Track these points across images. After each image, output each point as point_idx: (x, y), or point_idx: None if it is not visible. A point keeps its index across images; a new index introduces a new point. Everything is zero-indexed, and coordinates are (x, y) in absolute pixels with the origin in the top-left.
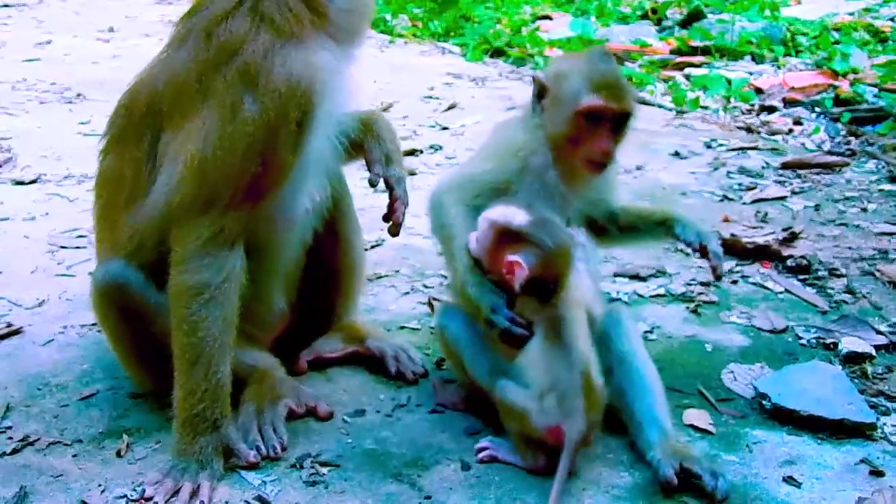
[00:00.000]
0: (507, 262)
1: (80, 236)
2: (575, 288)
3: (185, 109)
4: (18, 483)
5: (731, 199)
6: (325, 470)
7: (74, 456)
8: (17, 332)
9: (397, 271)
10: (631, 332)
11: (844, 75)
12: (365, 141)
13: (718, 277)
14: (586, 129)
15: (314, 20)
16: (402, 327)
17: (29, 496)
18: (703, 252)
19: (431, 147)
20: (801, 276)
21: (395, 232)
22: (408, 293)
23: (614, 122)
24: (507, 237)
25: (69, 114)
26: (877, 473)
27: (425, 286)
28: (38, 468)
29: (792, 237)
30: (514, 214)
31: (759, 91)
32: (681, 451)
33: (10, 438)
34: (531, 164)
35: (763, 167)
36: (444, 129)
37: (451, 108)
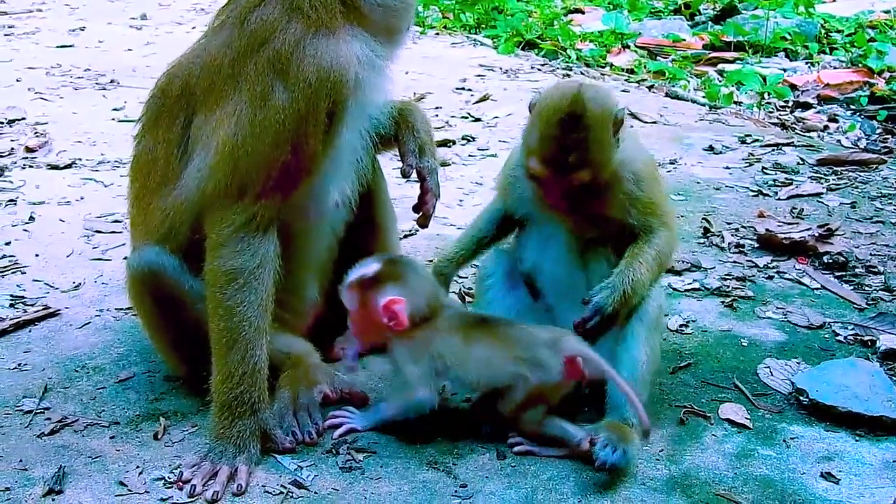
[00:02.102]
0: (382, 306)
1: (115, 221)
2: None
3: (218, 94)
4: (57, 463)
5: (766, 195)
6: (360, 456)
7: (112, 438)
8: (54, 314)
9: (430, 261)
10: (643, 315)
11: (880, 73)
12: (399, 132)
13: None
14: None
15: (346, 12)
16: None
17: (68, 476)
18: None
19: (464, 138)
20: (838, 273)
21: (424, 223)
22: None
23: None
24: (367, 288)
25: (103, 100)
26: None
27: (458, 276)
28: (76, 449)
29: (828, 234)
30: (362, 268)
31: (793, 88)
32: (613, 428)
33: (49, 419)
34: (520, 190)
35: (798, 163)
36: (477, 120)
37: (483, 99)
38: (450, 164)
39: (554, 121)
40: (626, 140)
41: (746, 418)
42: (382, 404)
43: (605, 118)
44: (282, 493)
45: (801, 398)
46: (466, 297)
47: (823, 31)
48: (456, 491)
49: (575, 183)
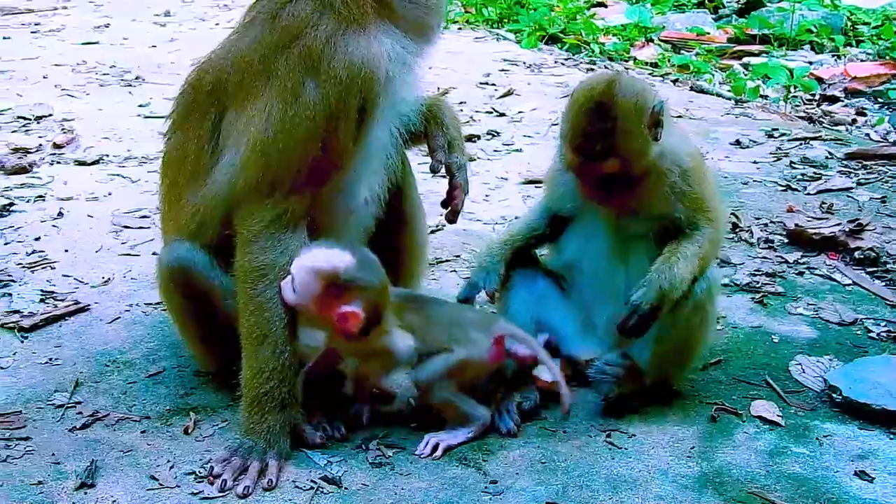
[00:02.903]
0: (341, 314)
1: (143, 216)
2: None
3: (248, 90)
4: (89, 457)
5: (794, 190)
6: (390, 452)
7: (143, 432)
8: (84, 309)
9: (458, 256)
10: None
11: None
12: (428, 127)
13: None
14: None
15: (377, 9)
16: None
17: (100, 470)
18: None
19: (489, 133)
20: (869, 269)
21: (452, 219)
22: (468, 278)
23: (598, 176)
24: (334, 286)
25: (128, 96)
26: None
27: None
28: (107, 443)
29: (859, 228)
30: (337, 259)
31: (819, 81)
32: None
33: (80, 413)
34: (563, 185)
35: (827, 157)
36: (501, 115)
37: (507, 94)
38: (475, 160)
39: (584, 109)
40: (671, 134)
41: (778, 416)
42: None
43: (637, 109)
44: (312, 488)
45: (834, 395)
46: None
47: (850, 24)
48: (486, 487)
49: (605, 172)
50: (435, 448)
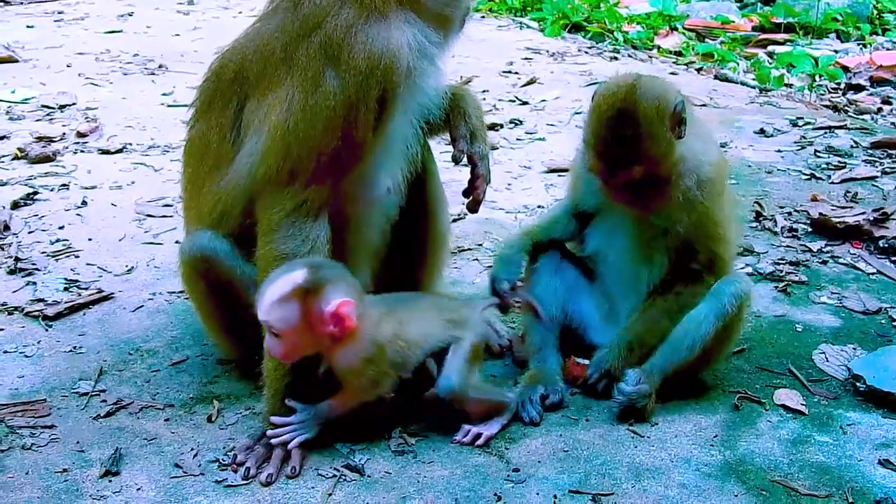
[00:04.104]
0: (331, 313)
1: (166, 205)
2: None
3: (270, 79)
4: (113, 445)
5: (819, 179)
6: (413, 440)
7: (167, 420)
8: (107, 297)
9: (480, 245)
10: (715, 302)
11: None
12: (451, 116)
13: None
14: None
15: None
16: None
17: (124, 458)
18: None
19: (512, 122)
20: (894, 258)
21: (474, 208)
22: (491, 267)
23: (623, 182)
24: (308, 296)
25: (152, 85)
26: None
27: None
28: (131, 431)
29: (884, 217)
30: (288, 278)
31: (845, 69)
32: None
33: (104, 402)
34: (587, 183)
35: (852, 146)
36: (524, 104)
37: (530, 83)
38: (497, 148)
39: (606, 117)
40: (696, 137)
41: (802, 404)
42: None
43: (659, 113)
44: (335, 476)
45: (858, 384)
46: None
47: (876, 12)
48: (508, 475)
49: (631, 178)
50: (477, 437)
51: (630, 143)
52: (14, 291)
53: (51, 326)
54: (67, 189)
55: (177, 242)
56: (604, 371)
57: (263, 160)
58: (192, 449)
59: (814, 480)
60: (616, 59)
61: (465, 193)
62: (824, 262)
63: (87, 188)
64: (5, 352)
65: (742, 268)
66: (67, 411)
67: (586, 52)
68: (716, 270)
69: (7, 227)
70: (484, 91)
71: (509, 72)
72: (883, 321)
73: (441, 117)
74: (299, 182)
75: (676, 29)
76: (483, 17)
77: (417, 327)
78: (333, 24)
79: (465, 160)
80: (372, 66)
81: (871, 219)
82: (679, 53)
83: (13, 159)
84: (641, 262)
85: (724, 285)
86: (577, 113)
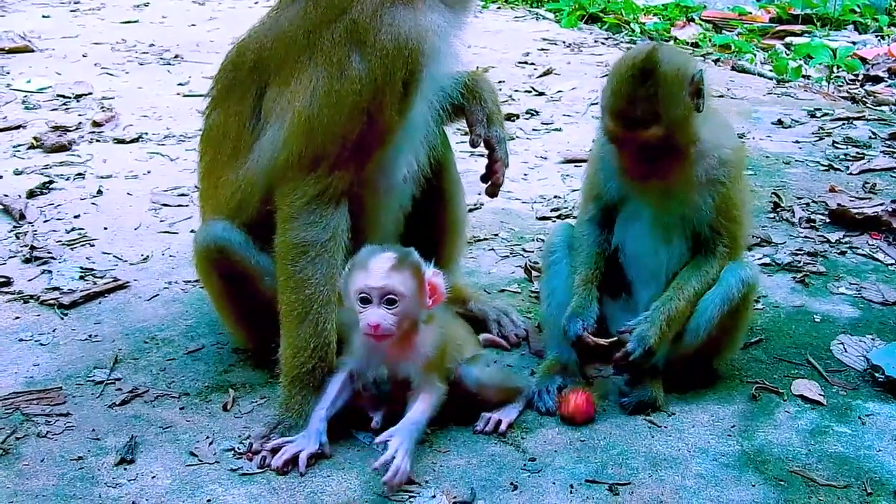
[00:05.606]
0: (430, 281)
1: (182, 194)
2: None
3: (292, 66)
4: (129, 433)
5: (837, 170)
6: (429, 429)
7: (182, 409)
8: (123, 286)
9: (496, 235)
10: (721, 287)
11: None
12: (467, 102)
13: None
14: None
15: None
16: (502, 290)
17: (139, 446)
18: None
19: (528, 112)
20: None
21: (493, 193)
22: (507, 257)
23: (640, 146)
24: (417, 265)
25: (168, 75)
26: None
27: (524, 251)
28: (147, 419)
29: None
30: (384, 252)
31: (863, 61)
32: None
33: (120, 390)
34: (606, 170)
35: (870, 137)
36: (541, 94)
37: (546, 73)
38: (514, 139)
39: (626, 76)
40: (715, 122)
41: (820, 395)
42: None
43: (679, 76)
44: (352, 464)
45: (877, 375)
46: (532, 271)
47: (894, 4)
48: (525, 465)
49: (647, 140)
50: (498, 424)
51: (648, 101)
52: (30, 280)
53: (66, 315)
54: (83, 178)
55: (192, 231)
56: (647, 348)
57: (286, 146)
58: (207, 437)
59: (832, 471)
60: None
61: (484, 178)
62: (843, 253)
63: (102, 177)
64: (21, 340)
65: (760, 258)
66: (83, 399)
67: (603, 44)
68: (731, 254)
69: (23, 216)
70: (500, 82)
71: (525, 62)
72: None
73: (458, 102)
74: (322, 168)
75: (693, 20)
76: (499, 7)
77: (459, 332)
78: (359, 9)
79: (482, 145)
80: (399, 48)
81: (890, 209)
82: (696, 45)
83: (29, 148)
84: (660, 248)
85: (731, 271)
86: (593, 104)
